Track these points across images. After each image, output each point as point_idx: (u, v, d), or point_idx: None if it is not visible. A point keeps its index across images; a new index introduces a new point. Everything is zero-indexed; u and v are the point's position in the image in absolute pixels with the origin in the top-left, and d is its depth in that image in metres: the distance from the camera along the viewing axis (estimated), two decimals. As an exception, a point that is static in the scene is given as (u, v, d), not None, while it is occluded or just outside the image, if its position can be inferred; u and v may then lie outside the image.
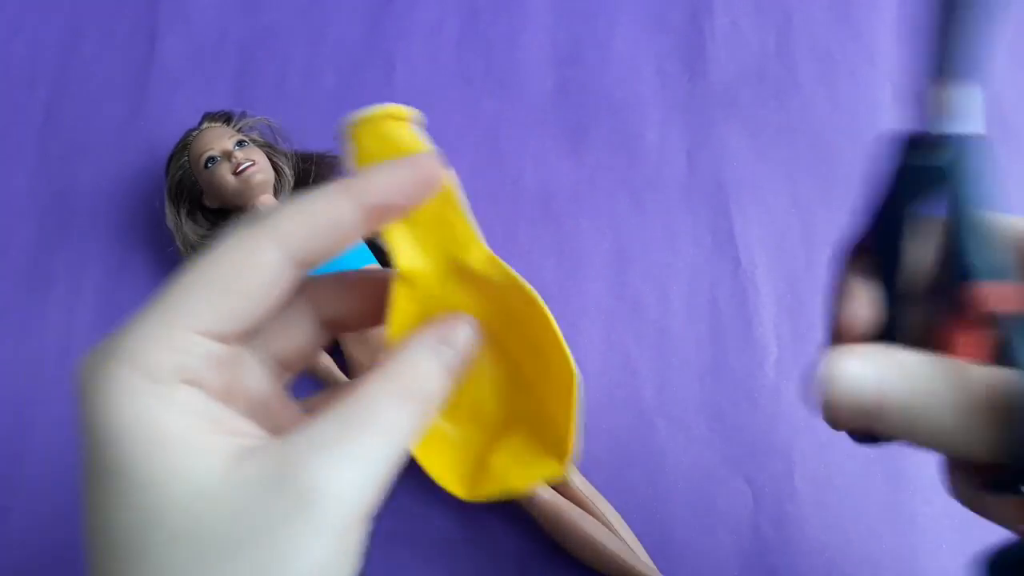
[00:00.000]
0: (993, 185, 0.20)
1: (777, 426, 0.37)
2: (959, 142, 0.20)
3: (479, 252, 0.21)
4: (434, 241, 0.21)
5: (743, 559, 0.35)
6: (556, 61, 0.45)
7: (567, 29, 0.46)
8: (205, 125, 0.41)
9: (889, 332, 0.21)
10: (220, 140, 0.40)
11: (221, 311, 0.18)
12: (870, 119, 0.43)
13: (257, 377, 0.21)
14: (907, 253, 0.21)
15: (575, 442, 0.21)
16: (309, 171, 0.42)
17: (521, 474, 0.22)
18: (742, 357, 0.39)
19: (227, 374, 0.19)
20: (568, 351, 0.21)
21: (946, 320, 0.20)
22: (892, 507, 0.36)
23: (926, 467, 0.36)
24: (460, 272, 0.21)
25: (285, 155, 0.42)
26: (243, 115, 0.42)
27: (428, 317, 0.22)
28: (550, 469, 0.22)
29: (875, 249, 0.22)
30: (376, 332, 0.24)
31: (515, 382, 0.22)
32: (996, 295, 0.19)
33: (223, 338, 0.19)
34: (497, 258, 0.21)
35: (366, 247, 0.39)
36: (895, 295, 0.21)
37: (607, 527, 0.34)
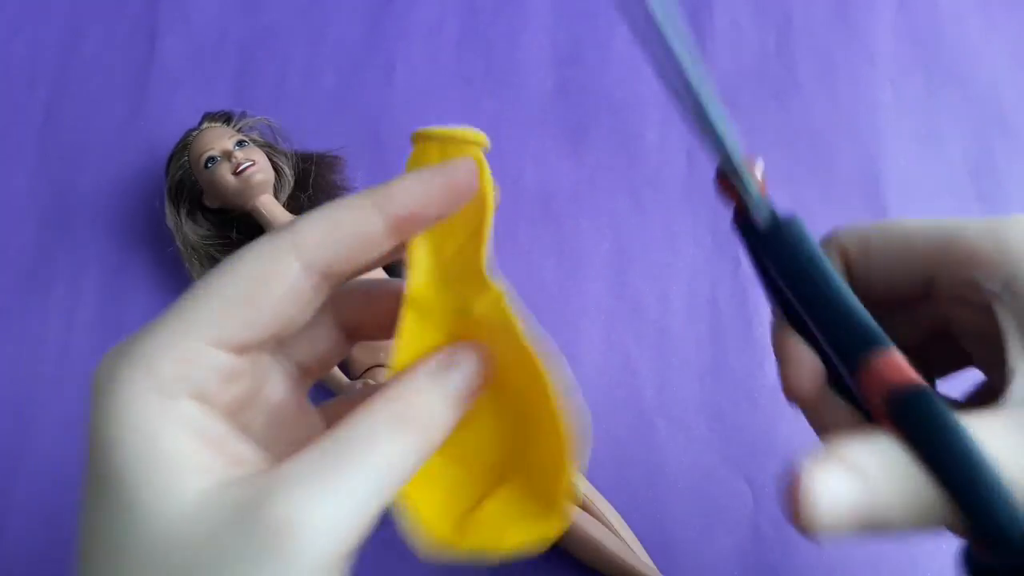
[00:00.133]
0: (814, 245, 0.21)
1: (777, 426, 0.37)
2: (772, 217, 0.22)
3: (491, 294, 0.20)
4: (454, 271, 0.20)
5: (743, 559, 0.35)
6: (556, 61, 0.45)
7: (567, 29, 0.46)
8: (205, 125, 0.41)
9: (839, 380, 0.21)
10: (220, 140, 0.40)
11: (238, 322, 0.18)
12: (870, 119, 0.43)
13: (279, 385, 0.21)
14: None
15: (566, 507, 0.20)
16: (309, 171, 0.42)
17: (511, 531, 0.20)
18: (742, 357, 0.39)
19: (243, 385, 0.19)
20: (564, 421, 0.19)
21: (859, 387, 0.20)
22: (892, 507, 0.36)
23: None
24: (469, 309, 0.20)
25: (285, 155, 0.42)
26: (243, 115, 0.42)
27: (435, 346, 0.20)
28: (540, 530, 0.20)
29: (788, 314, 0.22)
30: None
31: (513, 430, 0.21)
32: (888, 369, 0.18)
33: (241, 348, 0.18)
34: (507, 302, 0.20)
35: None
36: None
37: (607, 527, 0.34)
